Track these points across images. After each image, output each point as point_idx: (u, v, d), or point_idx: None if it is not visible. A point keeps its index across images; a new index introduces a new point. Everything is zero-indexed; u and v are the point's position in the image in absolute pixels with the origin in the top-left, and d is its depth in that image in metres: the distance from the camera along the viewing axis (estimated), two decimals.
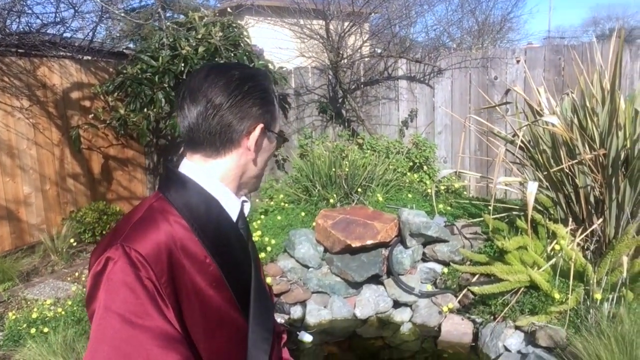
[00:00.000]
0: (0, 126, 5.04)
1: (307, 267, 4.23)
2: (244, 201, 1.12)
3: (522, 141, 3.66)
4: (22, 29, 5.37)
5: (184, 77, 5.01)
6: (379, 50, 6.81)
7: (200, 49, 5.17)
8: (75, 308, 3.70)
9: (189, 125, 1.02)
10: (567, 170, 3.48)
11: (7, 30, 5.17)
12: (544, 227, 3.58)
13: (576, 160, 3.37)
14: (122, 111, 5.41)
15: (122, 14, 5.96)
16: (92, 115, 5.78)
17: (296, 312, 4.04)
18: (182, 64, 5.12)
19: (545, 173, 3.62)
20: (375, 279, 4.13)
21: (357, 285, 4.12)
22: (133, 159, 6.58)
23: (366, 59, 6.19)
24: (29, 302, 4.19)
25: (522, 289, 3.36)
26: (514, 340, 3.19)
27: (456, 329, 3.60)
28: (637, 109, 3.25)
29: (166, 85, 5.17)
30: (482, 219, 4.02)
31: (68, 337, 3.20)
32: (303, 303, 4.10)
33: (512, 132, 4.09)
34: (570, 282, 3.09)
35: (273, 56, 6.11)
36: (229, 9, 6.31)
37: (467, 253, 3.80)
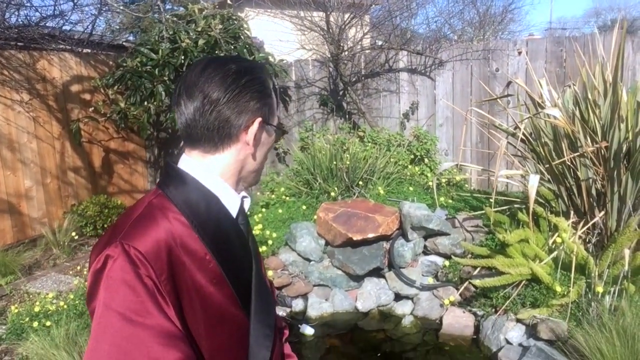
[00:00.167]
0: (1, 120, 5.03)
1: (309, 260, 4.23)
2: (244, 197, 1.11)
3: (523, 134, 3.65)
4: (21, 22, 5.35)
5: (184, 69, 4.99)
6: (380, 43, 6.77)
7: (200, 42, 5.15)
8: (77, 301, 3.71)
9: (186, 121, 1.01)
10: (569, 163, 3.46)
11: (6, 23, 5.15)
12: (545, 220, 3.57)
13: (578, 153, 3.36)
14: (122, 104, 5.39)
15: (121, 7, 5.92)
16: (93, 108, 5.77)
17: (298, 305, 4.05)
18: (182, 57, 5.10)
19: (547, 166, 3.61)
20: (377, 272, 4.13)
21: (358, 279, 4.13)
22: (134, 152, 6.57)
23: (367, 51, 6.16)
24: (31, 296, 4.20)
25: (524, 281, 3.36)
26: (516, 333, 3.20)
27: (457, 321, 3.61)
28: (639, 101, 3.23)
29: (166, 78, 5.15)
30: (483, 211, 4.02)
31: (70, 330, 3.21)
32: (304, 296, 4.11)
33: (514, 125, 4.08)
34: (572, 275, 3.09)
35: (273, 49, 6.08)
36: (228, 1, 6.28)
37: (468, 246, 3.79)
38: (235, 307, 1.05)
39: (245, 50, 5.29)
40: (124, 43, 6.33)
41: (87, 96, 5.90)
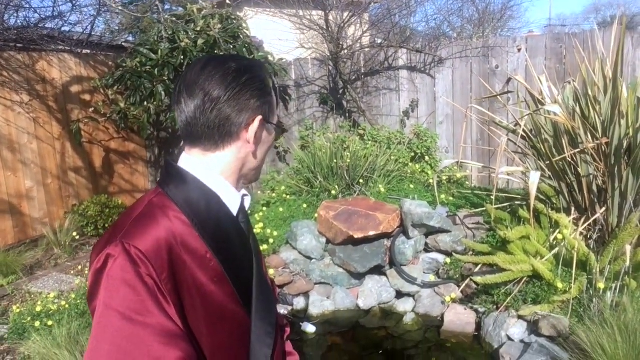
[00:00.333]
0: (1, 121, 5.03)
1: (310, 258, 4.23)
2: (244, 195, 1.11)
3: (524, 130, 3.65)
4: (20, 24, 5.36)
5: (184, 69, 4.98)
6: (379, 41, 6.77)
7: (200, 42, 5.15)
8: (79, 301, 3.71)
9: (186, 120, 1.01)
10: (570, 160, 3.46)
11: (6, 25, 5.15)
12: (546, 217, 3.57)
13: (578, 149, 3.36)
14: (122, 104, 5.39)
15: (120, 7, 5.92)
16: (93, 108, 5.77)
17: (299, 303, 4.05)
18: (182, 57, 5.10)
19: (548, 162, 3.61)
20: (378, 270, 4.13)
21: (359, 276, 4.13)
22: (134, 152, 6.57)
23: (366, 50, 6.16)
24: (33, 296, 4.21)
25: (525, 278, 3.36)
26: (517, 330, 3.20)
27: (459, 318, 3.61)
28: (639, 96, 3.23)
29: (166, 78, 5.15)
30: (484, 209, 4.02)
31: (72, 330, 3.21)
32: (306, 294, 4.11)
33: (514, 122, 4.07)
34: (573, 272, 3.09)
35: (273, 48, 6.08)
36: (227, 1, 6.27)
37: (469, 243, 3.80)
38: (236, 305, 1.05)
39: (244, 49, 5.29)
40: (123, 43, 6.33)
41: (87, 97, 5.90)
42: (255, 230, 3.98)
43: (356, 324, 3.88)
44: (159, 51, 5.15)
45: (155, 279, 0.90)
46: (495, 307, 3.45)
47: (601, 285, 2.94)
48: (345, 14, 5.86)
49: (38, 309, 3.62)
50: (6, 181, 5.10)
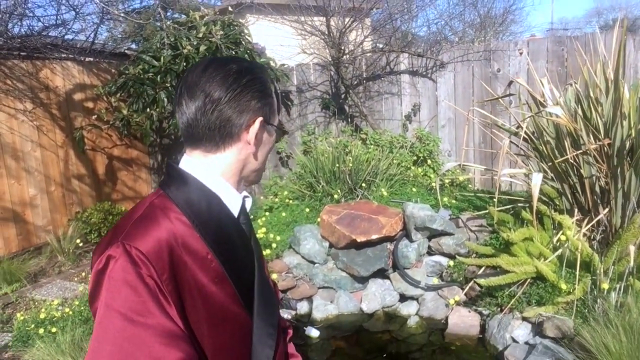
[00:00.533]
0: (4, 129, 5.06)
1: (313, 262, 4.23)
2: (245, 196, 1.12)
3: (526, 133, 3.65)
4: (24, 32, 5.40)
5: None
6: (381, 45, 6.79)
7: (202, 48, 5.18)
8: (82, 308, 3.72)
9: (187, 121, 1.02)
10: (572, 161, 3.46)
11: (9, 33, 5.19)
12: (549, 218, 3.56)
13: (581, 151, 3.35)
14: (125, 111, 5.42)
15: (123, 15, 5.96)
16: (96, 116, 5.80)
17: (303, 307, 4.04)
18: (184, 63, 5.13)
19: (550, 164, 3.61)
20: (381, 274, 4.12)
21: (363, 280, 4.12)
22: (137, 158, 6.59)
23: (368, 54, 6.18)
24: (36, 303, 4.21)
25: (529, 280, 3.35)
26: (521, 332, 3.19)
27: (463, 321, 3.60)
28: None
29: (168, 85, 5.18)
30: (487, 211, 4.01)
31: (76, 336, 3.22)
32: (309, 298, 4.10)
33: (516, 124, 4.07)
34: (577, 273, 3.08)
35: (274, 53, 6.10)
36: (229, 8, 6.30)
37: (472, 245, 3.79)
38: (238, 306, 1.05)
39: (246, 55, 5.32)
40: (126, 51, 6.37)
41: (90, 104, 5.93)
42: (258, 235, 3.99)
43: (360, 327, 3.87)
44: (162, 58, 5.18)
45: (156, 280, 0.90)
46: (499, 309, 3.44)
47: (605, 285, 2.93)
48: (347, 20, 5.88)
49: (42, 316, 3.63)
50: (10, 189, 5.12)
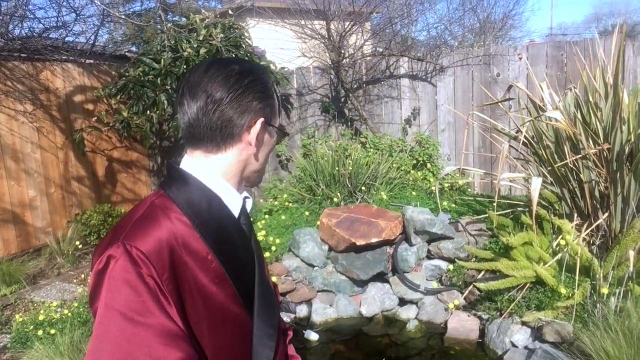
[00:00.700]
0: (5, 130, 5.06)
1: (313, 266, 4.23)
2: (246, 197, 1.12)
3: (525, 137, 3.65)
4: (25, 34, 5.40)
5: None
6: (381, 50, 6.80)
7: (202, 51, 5.19)
8: (81, 310, 3.71)
9: (189, 121, 1.02)
10: (572, 166, 3.46)
11: (10, 35, 5.19)
12: (549, 223, 3.56)
13: (580, 156, 3.36)
14: (125, 114, 5.43)
15: (124, 17, 5.97)
16: (96, 118, 5.81)
17: (302, 311, 4.04)
18: (185, 66, 5.13)
19: (550, 169, 3.61)
20: (381, 277, 4.12)
21: (362, 284, 4.12)
22: (137, 161, 6.60)
23: (368, 58, 6.19)
24: (36, 305, 4.21)
25: (529, 284, 3.35)
26: (521, 336, 3.18)
27: (463, 325, 3.59)
28: None
29: (169, 88, 5.19)
30: (487, 215, 4.01)
31: (75, 338, 3.22)
32: (309, 302, 4.10)
33: (516, 129, 4.08)
34: (577, 277, 3.08)
35: (275, 57, 6.11)
36: (230, 11, 6.32)
37: (472, 250, 3.79)
38: (238, 307, 1.05)
39: (246, 58, 5.32)
40: (126, 53, 6.38)
41: (90, 106, 5.94)
42: (257, 238, 3.98)
43: (359, 331, 3.87)
44: (162, 61, 5.19)
45: (157, 280, 0.90)
46: (499, 313, 3.44)
47: (605, 290, 2.93)
48: (347, 24, 5.89)
49: (41, 318, 3.62)
50: (10, 191, 5.12)
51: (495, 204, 3.66)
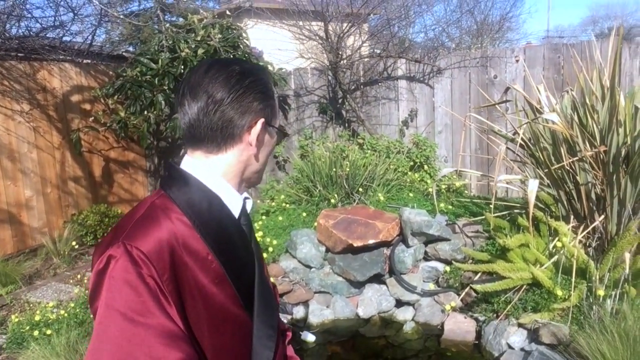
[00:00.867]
0: (1, 130, 5.05)
1: (309, 267, 4.23)
2: (246, 198, 1.12)
3: (522, 139, 3.66)
4: (21, 33, 5.39)
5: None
6: (378, 51, 6.82)
7: (200, 51, 5.18)
8: (77, 310, 3.70)
9: (189, 121, 1.02)
10: (568, 168, 3.47)
11: (7, 34, 5.18)
12: (545, 225, 3.57)
13: (577, 158, 3.37)
14: (122, 114, 5.41)
15: (121, 17, 5.96)
16: (93, 118, 5.79)
17: (299, 312, 4.04)
18: (182, 66, 5.13)
19: (546, 170, 3.62)
20: (378, 279, 4.12)
21: (359, 285, 4.12)
22: (134, 161, 6.58)
23: (365, 60, 6.20)
24: (31, 305, 4.19)
25: (525, 286, 3.35)
26: (517, 338, 3.19)
27: (459, 327, 3.60)
28: (637, 105, 3.25)
29: (166, 88, 5.18)
30: (483, 217, 4.02)
31: (71, 339, 3.20)
32: (305, 303, 4.10)
33: (513, 130, 4.09)
34: (573, 279, 3.09)
35: (272, 57, 6.11)
36: (227, 12, 6.31)
37: (469, 251, 3.80)
38: (238, 307, 1.05)
39: (244, 59, 5.32)
40: (123, 53, 6.37)
41: (87, 106, 5.92)
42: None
43: (356, 333, 3.87)
44: (160, 61, 5.19)
45: (157, 280, 0.90)
46: (495, 315, 3.45)
47: (601, 292, 2.94)
48: (345, 25, 5.90)
49: (37, 318, 3.61)
50: (6, 190, 5.10)
51: (491, 206, 3.67)
